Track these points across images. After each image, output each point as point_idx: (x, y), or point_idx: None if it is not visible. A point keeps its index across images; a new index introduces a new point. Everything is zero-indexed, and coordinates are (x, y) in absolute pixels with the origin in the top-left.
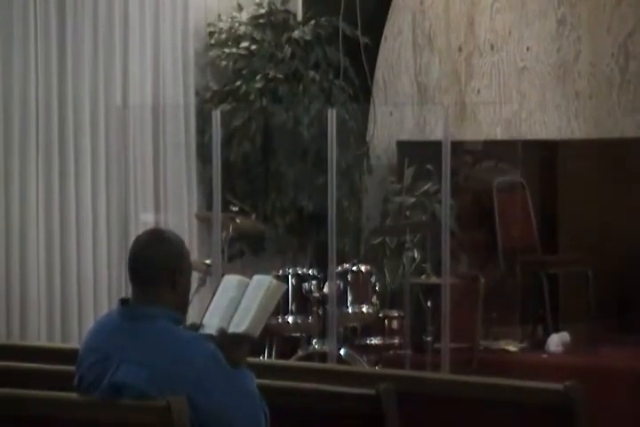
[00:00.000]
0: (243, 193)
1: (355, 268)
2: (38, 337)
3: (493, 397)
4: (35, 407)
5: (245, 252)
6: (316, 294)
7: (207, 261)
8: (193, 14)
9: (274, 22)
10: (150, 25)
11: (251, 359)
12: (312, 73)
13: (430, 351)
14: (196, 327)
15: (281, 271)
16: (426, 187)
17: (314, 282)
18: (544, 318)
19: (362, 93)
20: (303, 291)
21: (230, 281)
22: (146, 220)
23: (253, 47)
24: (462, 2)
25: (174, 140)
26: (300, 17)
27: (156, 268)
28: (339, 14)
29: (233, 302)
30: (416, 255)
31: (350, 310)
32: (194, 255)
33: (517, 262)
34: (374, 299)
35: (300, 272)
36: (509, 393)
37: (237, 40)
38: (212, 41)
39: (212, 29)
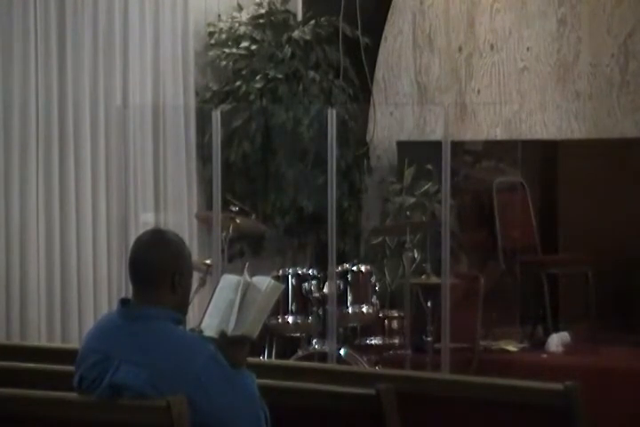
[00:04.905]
0: (243, 193)
1: (355, 268)
2: (38, 337)
3: (493, 397)
4: (35, 407)
5: (245, 252)
6: (316, 294)
7: (207, 261)
8: (193, 14)
9: (274, 22)
10: (150, 25)
11: (251, 359)
12: (312, 73)
13: (430, 351)
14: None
15: (281, 271)
16: (426, 187)
17: (314, 282)
18: (544, 318)
19: (362, 93)
20: (303, 291)
21: (229, 281)
22: (146, 220)
23: (253, 47)
24: (462, 2)
25: (174, 141)
26: (300, 17)
27: (156, 269)
28: (339, 14)
29: (231, 303)
30: (416, 255)
31: (350, 310)
32: (194, 255)
33: (517, 262)
34: (374, 299)
35: (299, 272)
36: (509, 393)
37: (237, 40)
38: (212, 41)
39: (212, 29)
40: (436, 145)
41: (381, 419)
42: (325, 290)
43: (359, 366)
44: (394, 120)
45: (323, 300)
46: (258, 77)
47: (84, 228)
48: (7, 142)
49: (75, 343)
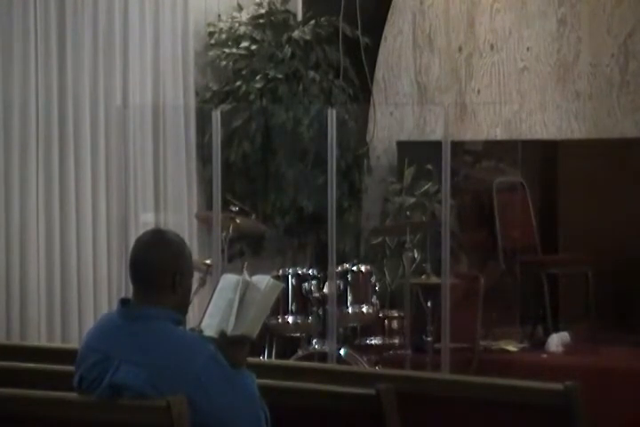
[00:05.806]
0: (243, 193)
1: (355, 268)
2: (38, 337)
3: (493, 397)
4: (35, 407)
5: (245, 252)
6: (316, 294)
7: (207, 261)
8: (193, 14)
9: (274, 22)
10: (150, 25)
11: (251, 359)
12: (312, 73)
13: (430, 351)
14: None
15: (281, 271)
16: (426, 187)
17: (314, 282)
18: (544, 318)
19: (362, 93)
20: (303, 291)
21: (228, 280)
22: (146, 220)
23: (253, 47)
24: (462, 2)
25: (174, 141)
26: (300, 17)
27: (157, 269)
28: (339, 14)
29: (231, 302)
30: (416, 255)
31: (350, 310)
32: (194, 255)
33: (517, 262)
34: (374, 299)
35: (299, 272)
36: (509, 393)
37: (237, 40)
38: (212, 41)
39: (212, 29)
40: (436, 145)
41: (381, 419)
42: (325, 290)
43: (359, 366)
44: (394, 120)
45: (323, 300)
46: (258, 77)
47: (84, 228)
48: (7, 142)
49: (75, 343)
